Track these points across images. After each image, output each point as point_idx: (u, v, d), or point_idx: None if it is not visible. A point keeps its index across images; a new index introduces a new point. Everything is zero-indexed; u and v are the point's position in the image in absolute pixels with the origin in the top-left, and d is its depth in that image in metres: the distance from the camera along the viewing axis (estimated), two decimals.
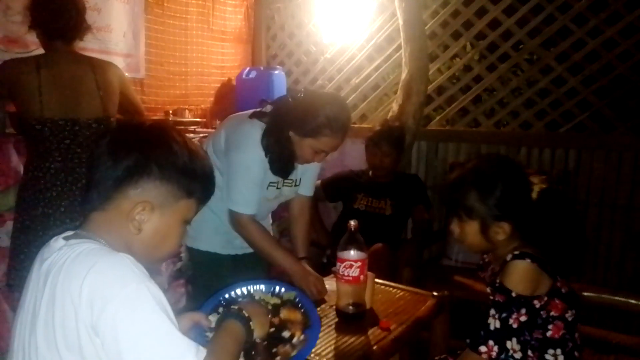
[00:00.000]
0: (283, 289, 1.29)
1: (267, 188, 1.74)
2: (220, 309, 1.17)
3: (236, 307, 1.02)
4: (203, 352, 0.83)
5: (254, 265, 1.90)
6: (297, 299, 1.25)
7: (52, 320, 0.82)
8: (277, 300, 1.25)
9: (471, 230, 1.29)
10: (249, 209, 1.66)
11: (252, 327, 0.99)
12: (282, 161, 1.66)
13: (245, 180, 1.64)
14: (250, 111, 1.72)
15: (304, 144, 1.62)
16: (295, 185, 1.84)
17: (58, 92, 1.89)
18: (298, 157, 1.67)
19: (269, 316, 1.13)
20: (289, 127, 1.61)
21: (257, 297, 1.25)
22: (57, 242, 0.90)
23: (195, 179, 0.97)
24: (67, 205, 1.90)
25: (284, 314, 1.19)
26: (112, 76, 2.03)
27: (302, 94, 1.65)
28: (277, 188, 1.77)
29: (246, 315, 1.00)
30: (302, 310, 1.21)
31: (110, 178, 0.91)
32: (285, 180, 1.78)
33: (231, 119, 1.78)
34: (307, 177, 1.87)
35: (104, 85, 1.99)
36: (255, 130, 1.64)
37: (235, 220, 1.67)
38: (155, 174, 0.92)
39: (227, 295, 1.27)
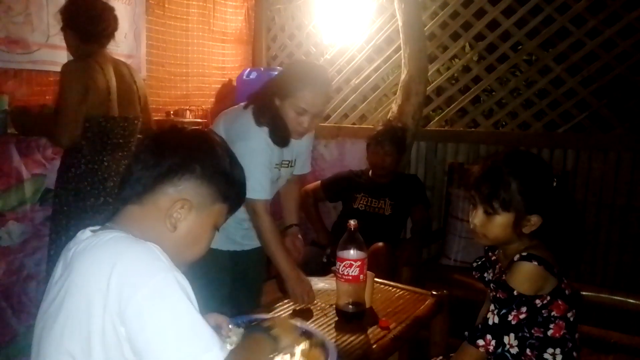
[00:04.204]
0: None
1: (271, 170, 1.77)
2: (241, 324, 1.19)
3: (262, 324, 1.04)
4: (226, 350, 0.83)
5: (252, 262, 1.92)
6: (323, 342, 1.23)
7: (75, 306, 0.82)
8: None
9: (503, 222, 1.24)
10: (265, 193, 1.66)
11: (276, 335, 1.00)
12: (279, 130, 1.68)
13: (258, 165, 1.64)
14: (242, 104, 1.77)
15: (286, 106, 1.64)
16: (291, 167, 1.88)
17: (118, 92, 2.09)
18: (288, 128, 1.70)
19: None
20: (273, 96, 1.67)
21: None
22: (84, 234, 0.90)
23: (233, 185, 1.00)
24: None
25: (304, 353, 1.17)
26: (138, 77, 2.25)
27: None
28: (278, 170, 1.80)
29: (269, 325, 1.01)
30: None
31: (151, 175, 0.93)
32: (283, 161, 1.81)
33: (226, 114, 1.81)
34: (301, 159, 1.92)
35: (138, 85, 2.23)
36: (252, 117, 1.69)
37: (252, 208, 1.67)
38: (198, 174, 0.94)
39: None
